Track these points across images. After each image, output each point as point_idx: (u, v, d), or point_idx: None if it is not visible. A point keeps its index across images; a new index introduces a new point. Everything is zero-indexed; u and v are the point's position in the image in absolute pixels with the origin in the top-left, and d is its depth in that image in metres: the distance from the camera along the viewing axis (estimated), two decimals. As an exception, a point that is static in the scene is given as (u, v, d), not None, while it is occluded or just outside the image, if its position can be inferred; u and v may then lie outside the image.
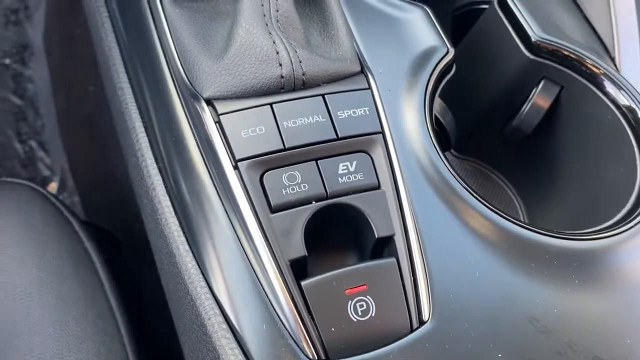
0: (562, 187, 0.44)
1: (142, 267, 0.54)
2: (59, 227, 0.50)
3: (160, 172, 0.35)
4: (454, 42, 0.40)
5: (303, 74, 0.33)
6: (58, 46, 0.94)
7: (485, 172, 0.50)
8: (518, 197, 0.48)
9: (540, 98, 0.43)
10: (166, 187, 0.34)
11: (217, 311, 0.29)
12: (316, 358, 0.28)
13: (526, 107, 0.44)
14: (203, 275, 0.31)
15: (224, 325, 0.29)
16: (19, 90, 0.99)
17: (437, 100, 0.39)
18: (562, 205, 0.43)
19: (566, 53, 0.41)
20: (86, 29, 0.62)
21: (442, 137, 0.42)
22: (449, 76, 0.39)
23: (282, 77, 0.33)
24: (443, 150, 0.36)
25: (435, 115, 0.40)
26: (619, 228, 0.35)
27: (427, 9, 0.40)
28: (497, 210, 0.34)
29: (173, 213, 0.33)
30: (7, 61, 1.01)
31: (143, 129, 0.36)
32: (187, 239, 0.32)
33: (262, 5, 0.34)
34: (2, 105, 0.97)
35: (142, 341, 0.46)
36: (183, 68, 0.34)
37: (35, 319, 0.43)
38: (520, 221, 0.34)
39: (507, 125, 0.45)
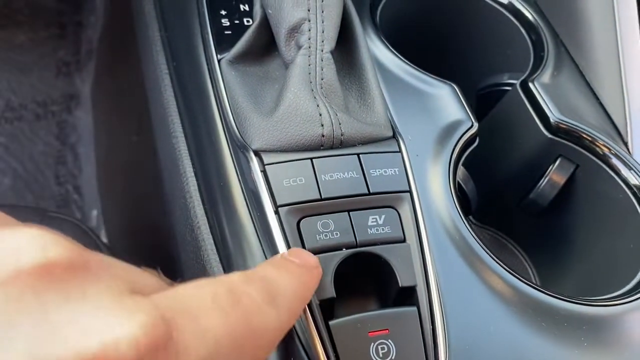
0: (573, 258, 0.46)
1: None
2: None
3: (206, 213, 0.38)
4: (478, 119, 0.44)
5: (342, 135, 0.37)
6: (104, 98, 1.01)
7: (501, 241, 0.53)
8: (532, 266, 0.50)
9: (556, 174, 0.47)
10: (210, 227, 0.37)
11: (250, 342, 0.32)
12: (338, 393, 0.31)
13: (543, 182, 0.47)
14: (239, 308, 0.33)
15: (256, 355, 0.31)
16: (61, 135, 1.06)
17: (461, 169, 0.43)
18: (573, 275, 0.45)
19: (582, 134, 0.45)
20: (134, 85, 0.67)
21: (464, 202, 0.45)
22: (472, 147, 0.42)
23: (323, 136, 0.37)
24: (465, 215, 0.40)
25: (458, 182, 0.43)
26: (627, 298, 0.37)
27: (455, 86, 0.44)
28: (512, 272, 0.36)
29: (215, 250, 0.36)
30: (54, 108, 1.08)
31: (193, 174, 0.40)
32: (226, 275, 0.35)
33: (309, 74, 0.38)
34: (44, 148, 1.03)
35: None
36: (235, 122, 0.38)
37: None
38: (533, 283, 0.36)
39: (524, 198, 0.48)
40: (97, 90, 1.03)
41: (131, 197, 0.82)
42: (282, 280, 0.27)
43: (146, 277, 0.24)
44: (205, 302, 0.22)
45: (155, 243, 0.64)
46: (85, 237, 0.55)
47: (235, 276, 0.25)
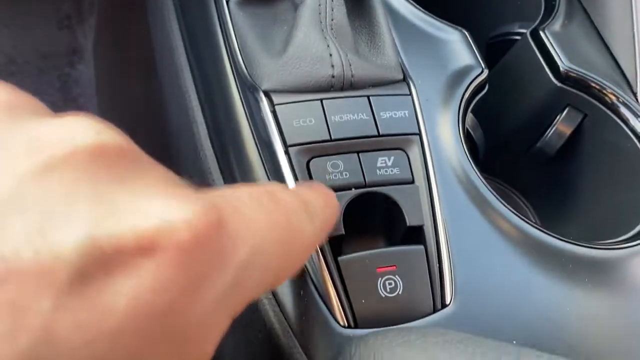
0: (579, 208, 0.46)
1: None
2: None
3: (215, 154, 0.38)
4: (488, 68, 0.44)
5: (352, 76, 0.37)
6: (107, 51, 1.00)
7: (506, 192, 0.53)
8: (535, 215, 0.50)
9: (563, 124, 0.47)
10: (220, 169, 0.38)
11: (261, 276, 0.32)
12: (346, 325, 0.31)
13: (550, 132, 0.47)
14: (249, 244, 0.34)
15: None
16: (64, 89, 1.05)
17: (470, 115, 0.43)
18: (578, 223, 0.46)
19: (591, 83, 0.44)
20: (138, 36, 0.67)
21: (472, 149, 0.45)
22: (482, 93, 0.42)
23: (333, 76, 0.37)
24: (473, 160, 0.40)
25: (467, 129, 0.43)
26: (631, 242, 0.37)
27: (466, 32, 0.44)
28: (519, 215, 0.37)
29: (225, 189, 0.36)
30: (57, 62, 1.07)
31: (202, 116, 0.40)
32: (236, 213, 0.35)
33: (320, 14, 0.38)
34: (47, 102, 1.02)
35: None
36: (244, 63, 0.38)
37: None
38: (539, 226, 0.37)
39: (531, 147, 0.48)
40: (99, 44, 1.02)
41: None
42: (312, 196, 0.27)
43: (182, 182, 0.24)
44: (248, 199, 0.22)
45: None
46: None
47: (270, 184, 0.25)
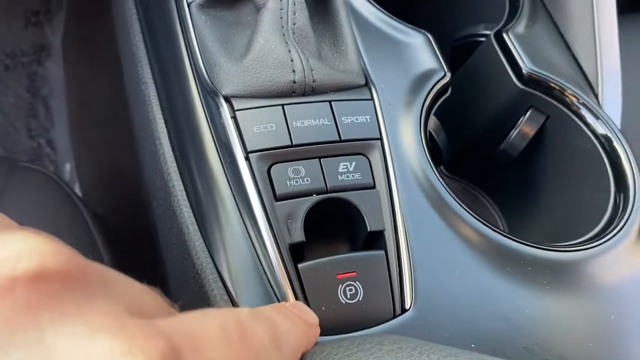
0: (542, 208, 0.47)
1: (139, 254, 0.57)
2: (71, 214, 0.53)
3: (176, 159, 0.38)
4: (452, 71, 0.44)
5: (313, 81, 0.37)
6: (75, 49, 0.98)
7: (471, 192, 0.53)
8: (501, 216, 0.51)
9: (526, 126, 0.47)
10: (180, 173, 0.37)
11: (220, 284, 0.32)
12: (306, 333, 0.31)
13: (513, 133, 0.48)
14: (209, 252, 0.34)
15: (225, 297, 0.32)
16: (32, 88, 1.03)
17: (433, 119, 0.43)
18: (541, 224, 0.46)
19: (552, 85, 0.45)
20: (105, 33, 0.66)
21: (435, 152, 0.46)
22: (444, 97, 0.43)
23: (295, 82, 0.36)
24: (435, 165, 0.40)
25: (430, 132, 0.43)
26: (588, 244, 0.38)
27: (429, 36, 0.44)
28: (479, 219, 0.37)
29: (185, 196, 0.36)
30: (24, 60, 1.04)
31: (162, 120, 0.39)
32: (196, 220, 0.35)
33: (281, 18, 0.38)
34: (15, 101, 1.01)
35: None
36: (205, 68, 0.38)
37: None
38: (499, 229, 0.37)
39: (495, 149, 0.49)
40: (68, 41, 1.00)
41: (104, 149, 0.81)
42: (285, 326, 0.26)
43: (146, 296, 0.23)
44: (212, 333, 0.21)
45: (128, 194, 0.64)
46: (57, 189, 0.54)
47: (243, 311, 0.24)
